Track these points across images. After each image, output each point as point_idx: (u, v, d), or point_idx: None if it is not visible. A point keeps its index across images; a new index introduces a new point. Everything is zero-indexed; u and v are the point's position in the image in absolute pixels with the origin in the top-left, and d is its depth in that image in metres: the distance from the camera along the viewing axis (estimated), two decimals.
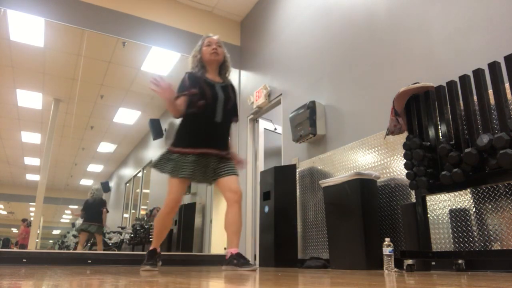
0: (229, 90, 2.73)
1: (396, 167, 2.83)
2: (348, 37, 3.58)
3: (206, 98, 2.59)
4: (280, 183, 3.69)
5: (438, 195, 2.47)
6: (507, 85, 2.06)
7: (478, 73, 2.10)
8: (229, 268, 2.37)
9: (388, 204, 2.86)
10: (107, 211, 5.93)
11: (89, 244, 5.92)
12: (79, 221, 6.66)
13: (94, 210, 5.81)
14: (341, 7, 3.73)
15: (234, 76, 5.53)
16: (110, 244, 6.21)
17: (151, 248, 2.59)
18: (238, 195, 2.55)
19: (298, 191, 3.90)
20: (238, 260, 2.36)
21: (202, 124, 2.59)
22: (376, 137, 3.05)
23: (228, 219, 2.56)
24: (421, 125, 2.43)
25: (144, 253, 5.31)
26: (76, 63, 5.28)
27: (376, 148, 3.03)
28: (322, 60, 3.90)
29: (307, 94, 4.04)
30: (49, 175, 5.02)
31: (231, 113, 2.70)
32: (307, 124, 3.63)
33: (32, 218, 5.01)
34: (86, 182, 6.75)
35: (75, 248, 6.54)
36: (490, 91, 2.09)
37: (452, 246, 2.32)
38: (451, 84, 2.28)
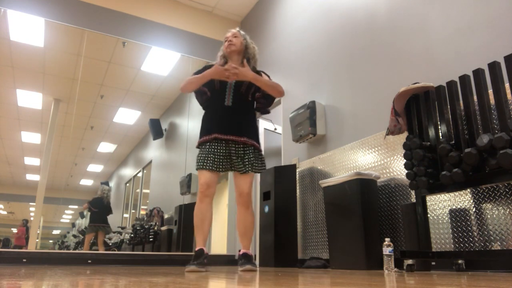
0: None
1: (396, 167, 2.83)
2: (348, 37, 3.58)
3: (214, 84, 2.59)
4: (280, 183, 3.69)
5: (438, 195, 2.47)
6: (507, 85, 2.06)
7: (478, 73, 2.10)
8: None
9: (388, 204, 2.86)
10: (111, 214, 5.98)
11: (89, 244, 5.91)
12: (79, 221, 6.65)
13: (103, 212, 5.82)
14: (341, 7, 3.72)
15: None
16: (110, 244, 6.21)
17: (196, 248, 2.51)
18: (243, 198, 2.53)
19: (298, 191, 3.90)
20: (241, 260, 2.44)
21: (213, 110, 2.59)
22: (376, 137, 3.05)
23: (236, 221, 2.61)
24: (421, 125, 2.43)
25: (144, 253, 5.31)
26: (76, 63, 5.28)
27: (376, 148, 3.03)
28: (322, 60, 3.89)
29: (307, 94, 4.04)
30: (49, 175, 5.02)
31: (246, 95, 2.60)
32: (307, 124, 3.63)
33: (32, 218, 5.01)
34: (86, 182, 6.74)
35: (75, 249, 6.54)
36: (490, 91, 2.09)
37: (452, 246, 2.32)
38: (451, 84, 2.28)
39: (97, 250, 5.54)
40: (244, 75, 2.45)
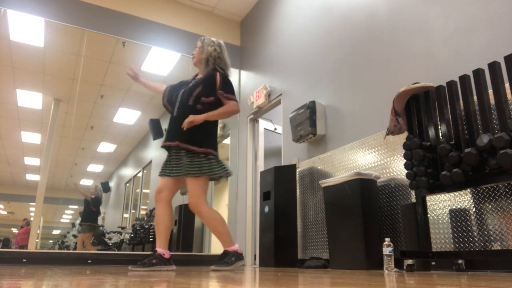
0: (198, 80, 2.72)
1: (396, 167, 2.83)
2: (348, 37, 3.58)
3: (172, 97, 2.76)
4: (280, 183, 3.69)
5: (438, 195, 2.47)
6: (507, 85, 2.06)
7: (478, 73, 2.09)
8: None
9: (388, 204, 2.86)
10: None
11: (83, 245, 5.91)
12: (79, 221, 6.64)
13: (96, 211, 5.80)
14: (341, 7, 3.73)
15: (234, 76, 5.53)
16: (110, 244, 6.21)
17: None
18: (191, 204, 2.55)
19: (298, 191, 3.90)
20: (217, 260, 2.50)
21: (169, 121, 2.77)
22: (376, 137, 3.05)
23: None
24: (421, 125, 2.43)
25: (144, 253, 5.30)
26: (76, 63, 5.28)
27: (376, 148, 3.03)
28: (322, 60, 3.89)
29: (307, 94, 4.04)
30: (49, 175, 5.02)
31: (187, 101, 2.62)
32: (307, 124, 3.63)
33: (32, 218, 5.01)
34: (86, 182, 6.74)
35: (75, 249, 6.54)
36: (490, 91, 2.09)
37: (452, 246, 2.32)
38: (451, 84, 2.28)
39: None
40: (197, 121, 2.54)
